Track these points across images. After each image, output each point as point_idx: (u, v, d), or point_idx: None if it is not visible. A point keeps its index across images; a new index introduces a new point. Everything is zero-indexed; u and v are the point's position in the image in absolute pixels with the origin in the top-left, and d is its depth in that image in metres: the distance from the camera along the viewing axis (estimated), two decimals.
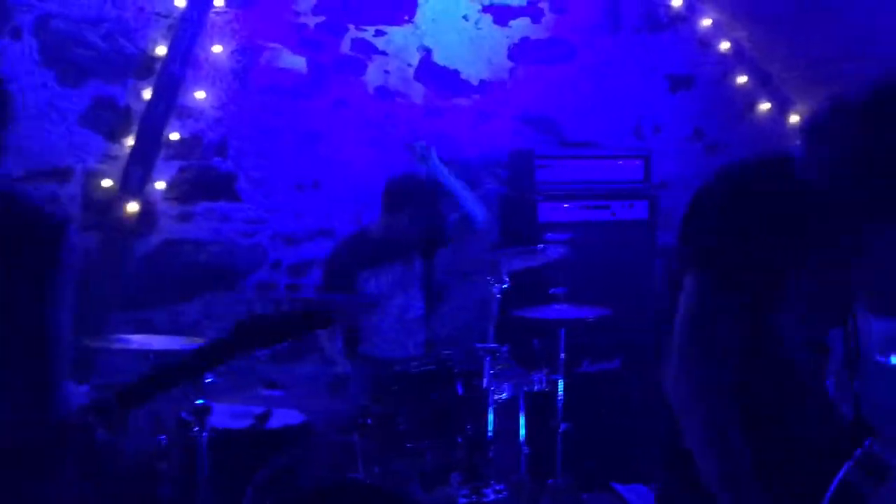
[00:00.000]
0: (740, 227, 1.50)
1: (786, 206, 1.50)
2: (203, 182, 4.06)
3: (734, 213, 1.52)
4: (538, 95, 4.53)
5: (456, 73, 4.39)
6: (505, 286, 3.01)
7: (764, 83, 4.92)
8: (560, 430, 3.25)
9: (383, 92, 4.29)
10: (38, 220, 1.63)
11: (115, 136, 3.85)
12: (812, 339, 1.63)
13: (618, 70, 4.68)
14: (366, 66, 4.25)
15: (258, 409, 2.89)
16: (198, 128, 4.01)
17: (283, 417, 3.07)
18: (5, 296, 1.56)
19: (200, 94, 3.97)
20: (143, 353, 2.80)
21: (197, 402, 2.53)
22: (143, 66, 3.86)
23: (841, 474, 1.56)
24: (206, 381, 2.47)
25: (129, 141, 3.83)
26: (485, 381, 2.79)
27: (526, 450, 3.02)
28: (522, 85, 4.51)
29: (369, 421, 2.93)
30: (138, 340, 2.91)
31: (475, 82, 4.43)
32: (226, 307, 4.16)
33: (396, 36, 4.27)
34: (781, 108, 4.95)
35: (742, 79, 4.88)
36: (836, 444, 1.61)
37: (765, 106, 4.95)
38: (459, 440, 2.91)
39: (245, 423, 2.92)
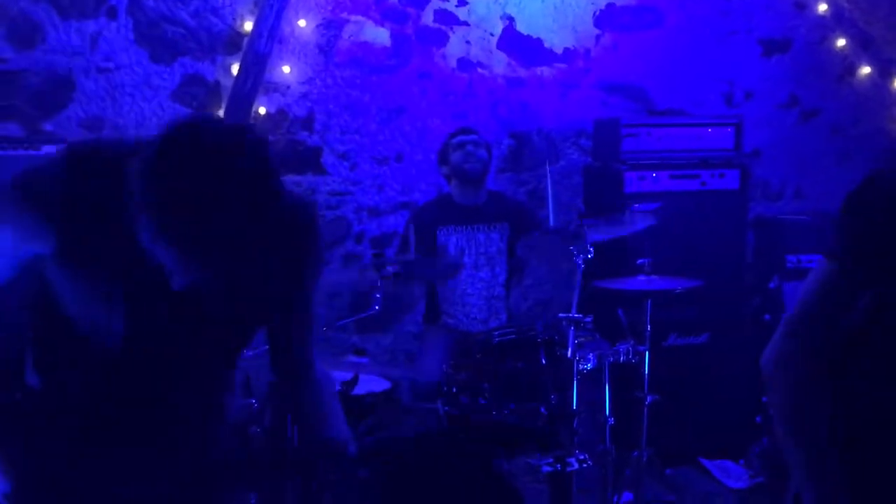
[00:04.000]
0: (885, 230, 1.45)
1: None
2: (290, 156, 4.13)
3: (880, 215, 1.46)
4: (624, 63, 4.43)
5: (539, 41, 4.33)
6: (589, 256, 2.96)
7: (865, 46, 4.68)
8: (646, 403, 3.19)
9: (465, 63, 4.27)
10: (297, 208, 1.57)
11: (204, 110, 3.96)
12: None
13: (708, 35, 4.53)
14: (448, 38, 4.24)
15: (345, 376, 2.94)
16: (284, 102, 4.08)
17: (369, 384, 3.12)
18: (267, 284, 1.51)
19: (286, 69, 4.03)
20: None
21: None
22: (231, 43, 3.94)
23: None
24: None
25: (219, 116, 3.93)
26: (569, 350, 2.75)
27: (611, 421, 2.98)
28: (608, 52, 4.42)
29: (453, 389, 2.95)
30: None
31: (559, 51, 4.36)
32: None
33: (479, 5, 4.24)
34: (884, 72, 4.70)
35: (841, 42, 4.66)
36: None
37: (865, 70, 4.71)
38: (542, 410, 2.89)
39: None
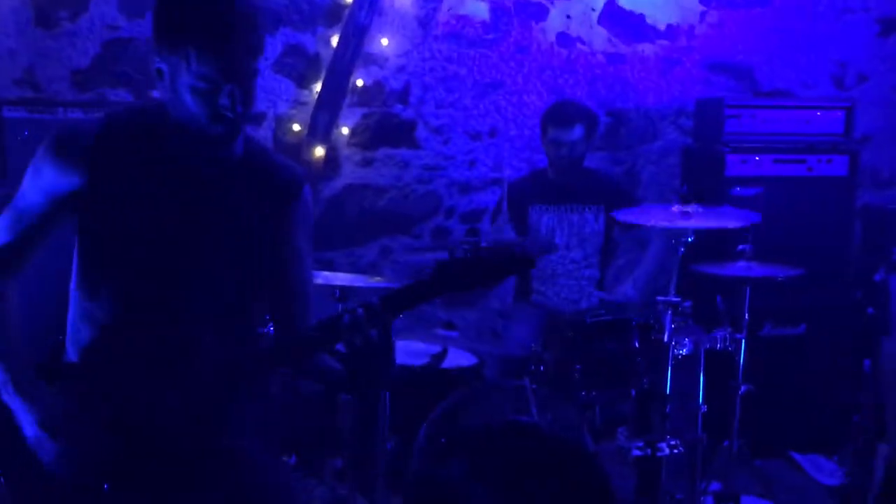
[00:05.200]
0: None
1: None
2: (384, 129, 4.15)
3: None
4: (730, 41, 4.28)
5: (641, 17, 4.22)
6: (689, 240, 2.88)
7: None
8: (740, 392, 3.11)
9: (564, 38, 4.20)
10: (281, 174, 1.79)
11: (304, 82, 4.01)
12: None
13: (820, 13, 4.33)
14: (548, 12, 4.17)
15: (434, 349, 2.96)
16: (381, 75, 4.09)
17: (457, 358, 3.13)
18: (251, 240, 1.72)
19: (385, 42, 4.04)
20: (329, 288, 2.92)
21: None
22: (332, 14, 3.97)
23: None
24: None
25: (317, 87, 3.98)
26: (665, 335, 2.70)
27: (704, 408, 2.91)
28: (713, 30, 4.27)
29: (541, 368, 2.93)
30: (324, 276, 3.04)
31: (662, 27, 4.24)
32: (401, 252, 4.28)
33: None
34: None
35: None
36: None
37: None
38: (633, 393, 2.85)
39: (422, 361, 3.00)
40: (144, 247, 1.65)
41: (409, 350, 3.09)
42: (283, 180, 1.77)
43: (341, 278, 3.05)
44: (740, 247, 3.08)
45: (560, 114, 3.46)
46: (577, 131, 3.43)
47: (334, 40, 3.94)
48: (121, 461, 1.62)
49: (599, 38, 4.22)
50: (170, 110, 1.65)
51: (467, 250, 1.56)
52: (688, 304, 2.78)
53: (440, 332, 3.05)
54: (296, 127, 4.00)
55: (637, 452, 2.62)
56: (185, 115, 1.60)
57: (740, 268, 3.07)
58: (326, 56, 3.97)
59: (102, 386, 1.66)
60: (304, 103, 4.01)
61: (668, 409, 2.68)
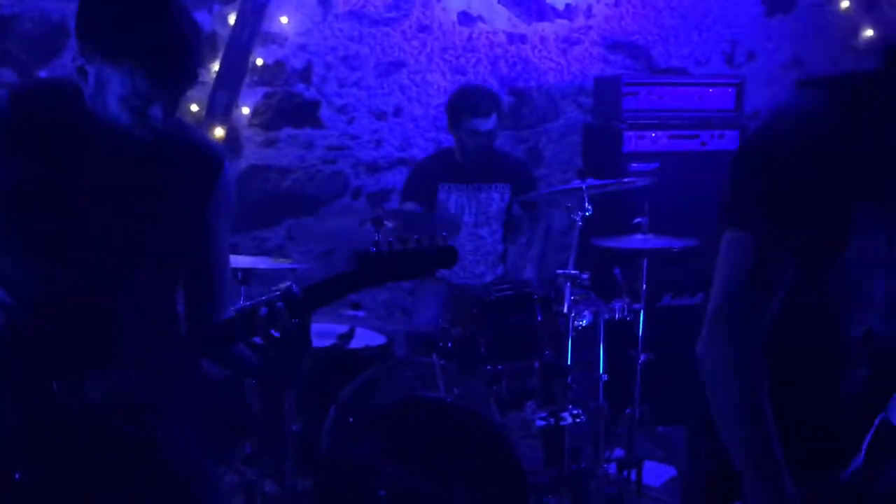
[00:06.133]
0: (791, 177, 1.34)
1: (844, 136, 1.34)
2: (287, 108, 4.09)
3: (783, 162, 1.35)
4: (627, 20, 4.39)
5: None
6: (588, 214, 2.95)
7: (869, 8, 4.63)
8: (640, 361, 3.22)
9: (466, 17, 4.21)
10: (200, 152, 1.68)
11: (201, 61, 3.90)
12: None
13: None
14: None
15: (341, 329, 2.95)
16: (282, 54, 4.02)
17: (365, 338, 3.13)
18: (170, 221, 1.62)
19: (284, 20, 3.97)
20: (232, 271, 2.86)
21: None
22: None
23: (881, 417, 1.41)
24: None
25: (215, 66, 3.88)
26: (565, 306, 2.77)
27: (605, 378, 3.00)
28: (610, 9, 4.36)
29: (449, 344, 2.96)
30: None
31: (560, 7, 4.31)
32: (308, 233, 4.24)
33: None
34: (887, 35, 4.65)
35: (845, 3, 4.61)
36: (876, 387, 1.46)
37: (868, 32, 4.67)
38: (536, 365, 2.92)
39: (328, 342, 2.98)
40: (54, 226, 1.54)
41: (316, 331, 3.05)
42: (203, 157, 1.67)
43: (243, 261, 3.00)
44: (637, 220, 3.18)
45: (475, 104, 3.40)
46: (493, 120, 3.43)
47: (232, 18, 3.84)
48: (34, 449, 1.53)
49: (500, 17, 4.25)
50: (88, 102, 1.53)
51: (392, 243, 1.53)
52: (586, 276, 2.85)
53: (347, 312, 3.03)
54: (193, 108, 3.89)
55: (541, 423, 2.68)
56: (106, 115, 1.50)
57: (637, 240, 3.16)
58: (224, 34, 3.87)
59: (11, 373, 1.55)
60: (201, 83, 3.89)
61: (569, 380, 2.75)
